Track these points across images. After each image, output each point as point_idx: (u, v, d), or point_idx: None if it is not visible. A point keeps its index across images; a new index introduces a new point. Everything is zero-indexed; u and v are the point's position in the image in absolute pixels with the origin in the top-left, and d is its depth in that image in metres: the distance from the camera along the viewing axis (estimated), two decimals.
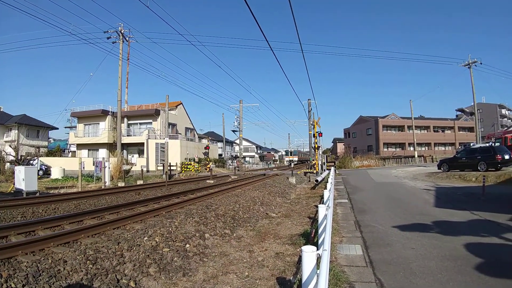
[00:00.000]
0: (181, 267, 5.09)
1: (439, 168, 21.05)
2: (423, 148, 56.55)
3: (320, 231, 5.47)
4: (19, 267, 4.07)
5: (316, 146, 26.76)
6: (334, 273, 4.22)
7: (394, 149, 54.76)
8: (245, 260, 5.49)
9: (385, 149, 54.30)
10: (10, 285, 3.58)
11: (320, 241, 4.71)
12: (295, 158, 59.85)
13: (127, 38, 26.76)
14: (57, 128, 48.00)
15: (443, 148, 58.89)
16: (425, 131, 58.73)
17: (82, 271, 4.28)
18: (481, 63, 30.20)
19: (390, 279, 4.20)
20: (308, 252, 2.68)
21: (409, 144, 52.53)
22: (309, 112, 37.40)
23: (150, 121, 38.76)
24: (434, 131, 59.67)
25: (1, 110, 44.19)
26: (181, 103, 43.83)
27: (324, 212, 5.54)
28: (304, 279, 2.68)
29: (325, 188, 11.50)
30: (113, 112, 36.32)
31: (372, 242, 6.01)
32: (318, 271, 2.93)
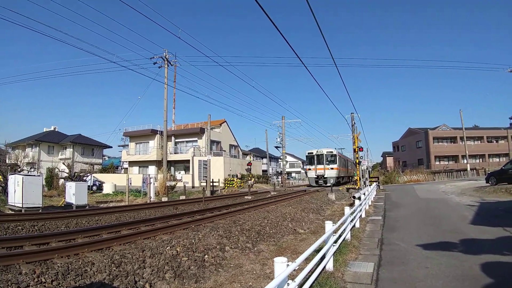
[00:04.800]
0: (195, 274, 5.55)
1: (487, 182, 19.62)
2: (477, 160, 51.79)
3: (326, 247, 5.64)
4: (52, 266, 4.82)
5: (358, 161, 26.05)
6: None
7: (446, 162, 50.83)
8: (254, 272, 5.79)
9: (437, 162, 50.64)
10: (41, 280, 4.31)
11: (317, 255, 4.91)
12: (332, 171, 30.38)
13: (171, 63, 29.06)
14: (111, 147, 52.13)
15: (497, 160, 53.21)
16: (479, 141, 53.86)
17: (106, 272, 4.95)
18: None
19: None
20: (279, 263, 2.99)
21: (463, 157, 48.41)
22: (352, 126, 36.50)
23: (196, 139, 40.65)
24: (488, 141, 54.47)
25: (56, 130, 48.47)
26: (225, 121, 45.53)
27: (330, 227, 5.71)
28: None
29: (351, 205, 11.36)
30: (161, 131, 38.95)
31: (388, 261, 5.94)
32: (289, 281, 3.18)
